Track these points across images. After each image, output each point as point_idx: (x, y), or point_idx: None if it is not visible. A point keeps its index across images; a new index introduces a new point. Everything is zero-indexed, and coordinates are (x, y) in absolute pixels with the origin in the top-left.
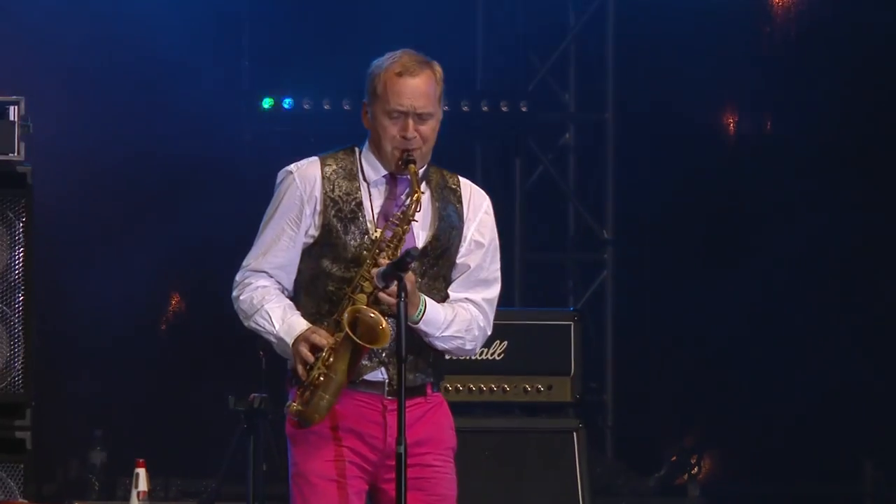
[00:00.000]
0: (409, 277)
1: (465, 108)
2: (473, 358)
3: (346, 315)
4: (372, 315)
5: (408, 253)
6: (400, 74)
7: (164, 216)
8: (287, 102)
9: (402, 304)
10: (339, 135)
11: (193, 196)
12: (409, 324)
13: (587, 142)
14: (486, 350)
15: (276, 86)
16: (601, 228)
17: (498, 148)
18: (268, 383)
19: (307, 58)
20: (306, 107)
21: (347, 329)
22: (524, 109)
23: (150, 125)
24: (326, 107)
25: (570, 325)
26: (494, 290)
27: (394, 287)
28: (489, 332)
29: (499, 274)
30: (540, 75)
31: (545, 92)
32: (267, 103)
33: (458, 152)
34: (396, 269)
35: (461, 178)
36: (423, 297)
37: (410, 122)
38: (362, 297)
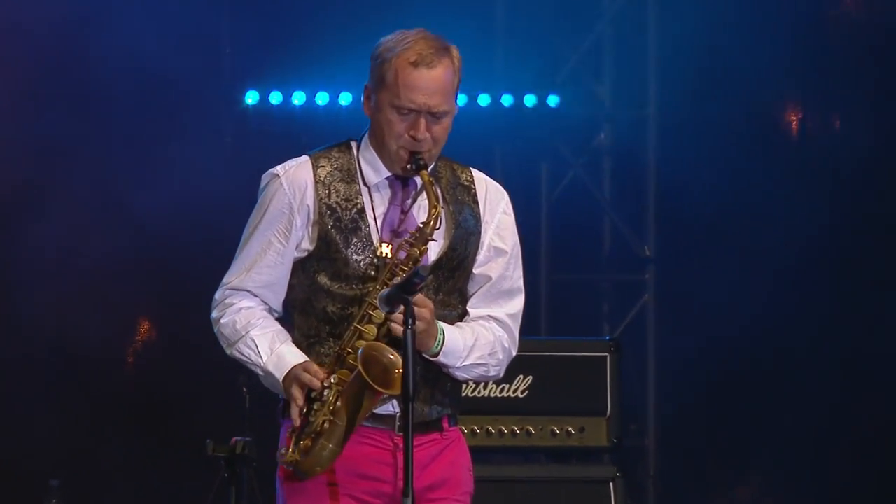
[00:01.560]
0: (424, 302)
1: (482, 103)
2: (492, 395)
3: (359, 353)
4: (391, 357)
5: (416, 273)
6: (415, 65)
7: (133, 232)
8: (275, 97)
9: (408, 333)
10: (337, 137)
11: (165, 208)
12: (426, 356)
13: (625, 143)
14: (507, 386)
15: (262, 77)
16: (641, 244)
17: (520, 150)
18: (252, 425)
19: (298, 44)
20: (296, 102)
21: (361, 369)
22: (551, 105)
23: (105, 122)
24: (320, 102)
25: (606, 356)
26: (518, 303)
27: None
28: (514, 353)
29: (522, 283)
30: (570, 65)
31: (576, 84)
32: (251, 98)
33: (473, 154)
34: (402, 292)
35: (474, 172)
36: (441, 325)
37: (423, 121)
38: (371, 329)
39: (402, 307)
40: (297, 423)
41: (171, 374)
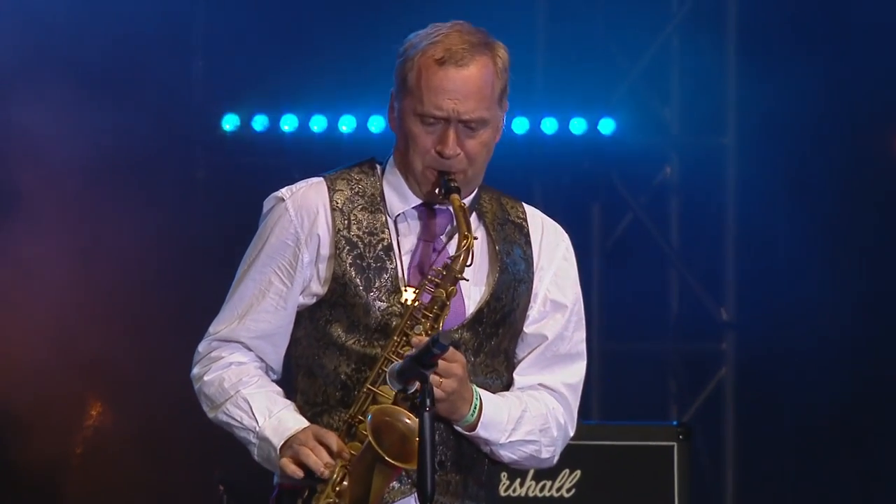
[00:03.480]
0: (454, 355)
1: (519, 130)
2: (530, 495)
3: (368, 419)
4: (407, 422)
5: (435, 341)
6: (442, 62)
7: (84, 290)
8: (259, 122)
9: (426, 417)
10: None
11: (122, 257)
12: (459, 428)
13: (697, 179)
14: (549, 482)
15: (243, 98)
16: (717, 305)
17: (566, 187)
18: None
19: (288, 57)
20: (286, 128)
21: (371, 439)
22: (604, 131)
23: (53, 149)
24: (316, 129)
25: (673, 445)
26: (579, 370)
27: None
28: (571, 433)
29: (584, 347)
30: (627, 81)
31: (635, 105)
32: (229, 123)
33: (508, 191)
34: (418, 366)
35: (527, 208)
36: (476, 389)
37: (452, 132)
38: (388, 391)
39: (417, 384)
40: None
41: (130, 466)
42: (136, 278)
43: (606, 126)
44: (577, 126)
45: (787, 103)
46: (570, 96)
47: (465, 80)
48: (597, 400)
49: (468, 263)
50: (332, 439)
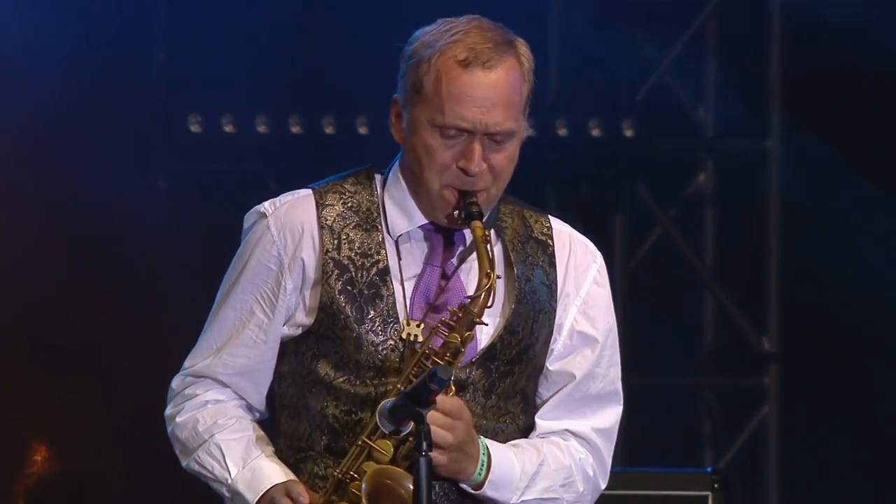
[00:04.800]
0: (457, 408)
1: (531, 131)
2: None
3: (364, 480)
4: (411, 487)
5: (432, 375)
6: (466, 64)
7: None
8: (228, 122)
9: (422, 462)
10: (318, 178)
11: (60, 283)
12: (466, 487)
13: (735, 188)
14: None
15: (209, 96)
16: (758, 334)
17: (583, 198)
18: None
19: (263, 47)
20: (262, 130)
21: (366, 502)
22: (629, 133)
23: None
24: (295, 130)
25: (707, 496)
26: (613, 414)
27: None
28: (603, 486)
29: (619, 386)
30: (656, 76)
31: (663, 104)
32: (194, 124)
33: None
34: (413, 404)
35: (554, 222)
36: (484, 442)
37: (477, 146)
38: (386, 447)
39: (412, 425)
40: None
41: None
42: (81, 310)
43: (630, 127)
44: (597, 127)
45: (842, 99)
46: (587, 94)
47: (493, 85)
48: (621, 443)
49: (489, 305)
50: (306, 500)
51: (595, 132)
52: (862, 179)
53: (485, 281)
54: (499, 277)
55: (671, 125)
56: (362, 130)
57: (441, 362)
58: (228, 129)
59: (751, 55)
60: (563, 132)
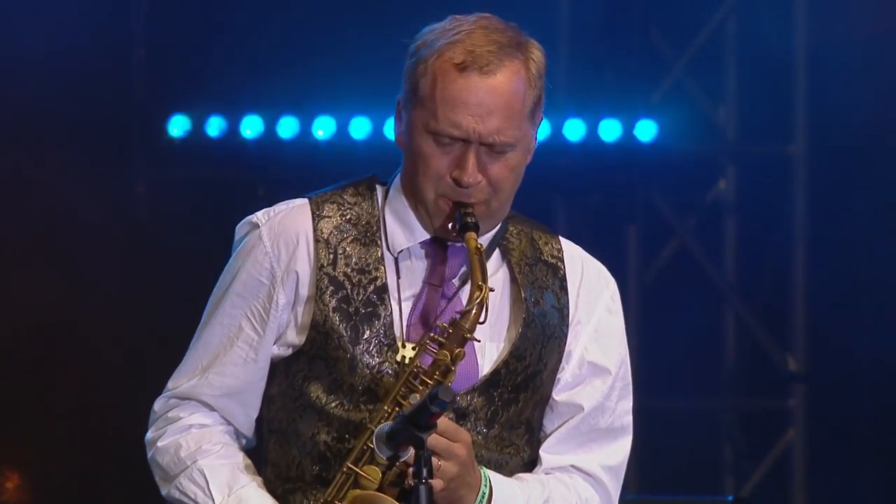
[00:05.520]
0: (457, 434)
1: (538, 134)
2: None
3: None
4: None
5: (433, 397)
6: (462, 67)
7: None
8: (214, 125)
9: (422, 490)
10: (319, 186)
11: (32, 302)
12: None
13: (758, 195)
14: None
15: (193, 95)
16: (783, 352)
17: (595, 205)
18: None
19: (251, 44)
20: (248, 133)
21: None
22: (642, 138)
23: None
24: (286, 134)
25: None
26: (622, 449)
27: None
28: None
29: (630, 419)
30: (672, 75)
31: (681, 105)
32: (178, 127)
33: (526, 211)
34: (413, 427)
35: (565, 244)
36: (486, 473)
37: (472, 156)
38: (374, 473)
39: (411, 450)
40: None
41: None
42: (55, 326)
43: (645, 130)
44: (609, 130)
45: (871, 102)
46: (600, 93)
47: (490, 91)
48: (635, 469)
49: (481, 321)
50: None
51: (607, 136)
52: (892, 185)
53: (476, 294)
54: (492, 290)
55: (689, 128)
56: (358, 135)
57: (430, 381)
58: (213, 132)
59: (774, 52)
60: (572, 136)
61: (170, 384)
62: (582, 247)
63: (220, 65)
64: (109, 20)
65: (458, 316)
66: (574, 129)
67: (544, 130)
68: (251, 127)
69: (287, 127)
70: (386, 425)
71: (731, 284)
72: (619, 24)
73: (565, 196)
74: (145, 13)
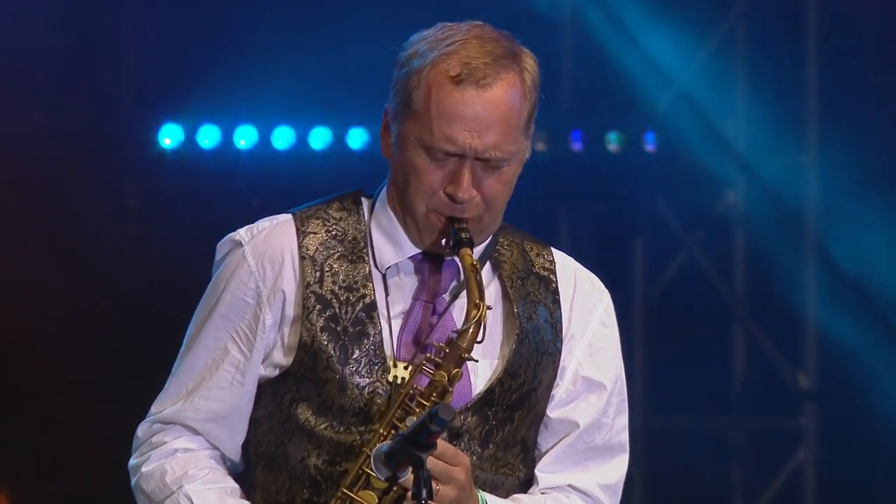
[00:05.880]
0: (455, 457)
1: (542, 146)
2: None
3: None
4: None
5: (433, 415)
6: (458, 80)
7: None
8: (207, 135)
9: None
10: (313, 196)
11: (22, 313)
12: None
13: (769, 207)
14: None
15: (186, 105)
16: (794, 369)
17: (599, 217)
18: None
19: (244, 53)
20: (242, 143)
21: None
22: (648, 149)
23: None
24: (280, 144)
25: None
26: (619, 467)
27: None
28: None
29: (626, 436)
30: (678, 84)
31: (687, 115)
32: (169, 137)
33: (524, 223)
34: (412, 447)
35: (557, 255)
36: (483, 496)
37: (467, 171)
38: (371, 498)
39: (410, 470)
40: None
41: None
42: (42, 340)
43: (649, 143)
44: (614, 141)
45: (883, 111)
46: (603, 104)
47: (487, 104)
48: (640, 490)
49: (479, 340)
50: None
51: (612, 146)
52: None
53: (474, 312)
54: (489, 308)
55: (697, 138)
56: (355, 145)
57: (427, 403)
58: (206, 143)
59: (785, 60)
60: (577, 146)
61: (153, 408)
62: (586, 261)
63: (212, 72)
64: (98, 28)
65: (454, 335)
66: (577, 140)
67: (549, 141)
68: (245, 137)
69: (282, 137)
70: (384, 445)
71: (740, 299)
72: (624, 31)
73: (570, 208)
74: (134, 21)
